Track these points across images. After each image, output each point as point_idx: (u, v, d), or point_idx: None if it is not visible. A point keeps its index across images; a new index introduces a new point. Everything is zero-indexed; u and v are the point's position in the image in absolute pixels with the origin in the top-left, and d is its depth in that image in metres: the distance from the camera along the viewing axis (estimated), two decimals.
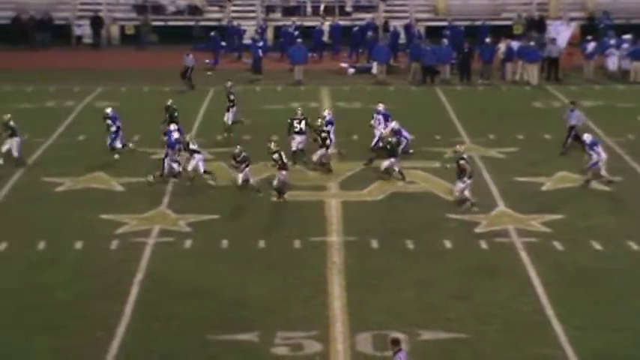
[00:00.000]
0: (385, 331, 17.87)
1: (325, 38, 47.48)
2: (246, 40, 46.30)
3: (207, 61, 43.66)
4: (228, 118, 31.98)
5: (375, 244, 22.89)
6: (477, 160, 29.14)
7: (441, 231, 23.70)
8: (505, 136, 31.97)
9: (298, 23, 47.66)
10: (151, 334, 18.43)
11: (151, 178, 27.05)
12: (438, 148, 30.07)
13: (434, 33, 45.99)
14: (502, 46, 42.03)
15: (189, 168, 27.08)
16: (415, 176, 27.67)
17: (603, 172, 26.77)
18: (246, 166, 26.10)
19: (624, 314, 19.28)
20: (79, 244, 22.86)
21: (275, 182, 25.84)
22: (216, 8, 51.93)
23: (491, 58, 41.66)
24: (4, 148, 28.64)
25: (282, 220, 24.70)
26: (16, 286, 20.64)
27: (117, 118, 29.76)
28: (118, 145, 29.59)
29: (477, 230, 23.77)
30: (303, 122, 29.00)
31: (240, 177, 26.22)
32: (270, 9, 51.84)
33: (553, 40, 42.76)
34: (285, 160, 25.89)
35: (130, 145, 29.99)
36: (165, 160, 27.11)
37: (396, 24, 48.02)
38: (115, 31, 50.79)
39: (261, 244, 22.91)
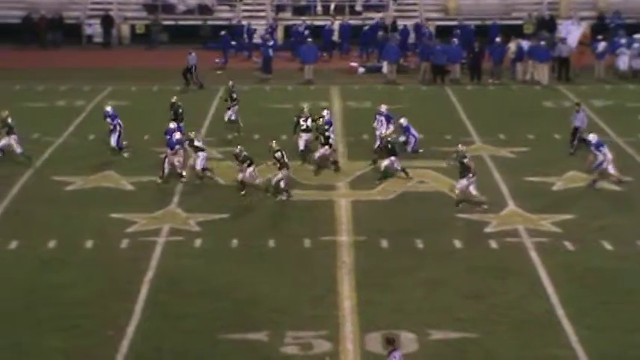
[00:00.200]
0: (395, 330, 17.87)
1: (335, 37, 47.41)
2: (256, 40, 46.36)
3: (217, 60, 43.69)
4: (229, 116, 32.00)
5: (385, 243, 22.86)
6: (488, 160, 29.13)
7: (451, 230, 23.68)
8: (515, 136, 31.91)
9: (308, 22, 47.55)
10: (161, 332, 18.45)
11: (159, 180, 27.08)
12: (448, 148, 29.91)
13: (444, 32, 45.89)
14: (512, 46, 41.91)
15: (198, 167, 27.09)
16: (425, 176, 27.66)
17: (613, 171, 26.69)
18: (249, 165, 26.09)
19: (635, 314, 19.24)
20: (89, 243, 22.90)
21: (274, 180, 25.85)
22: (226, 7, 51.94)
23: (501, 57, 41.54)
24: (0, 143, 28.81)
25: (292, 220, 24.70)
26: (27, 285, 20.67)
27: (116, 116, 29.73)
28: (113, 143, 29.47)
29: (487, 230, 23.74)
30: (310, 120, 29.06)
31: (239, 176, 26.20)
32: (280, 8, 51.77)
33: (563, 40, 42.66)
34: (286, 160, 25.91)
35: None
36: (165, 161, 27.12)
37: (407, 23, 47.94)
38: (125, 30, 50.75)
39: (271, 243, 22.92)
